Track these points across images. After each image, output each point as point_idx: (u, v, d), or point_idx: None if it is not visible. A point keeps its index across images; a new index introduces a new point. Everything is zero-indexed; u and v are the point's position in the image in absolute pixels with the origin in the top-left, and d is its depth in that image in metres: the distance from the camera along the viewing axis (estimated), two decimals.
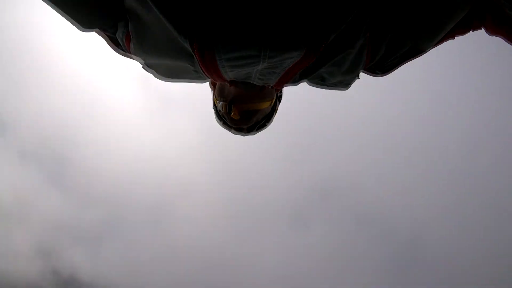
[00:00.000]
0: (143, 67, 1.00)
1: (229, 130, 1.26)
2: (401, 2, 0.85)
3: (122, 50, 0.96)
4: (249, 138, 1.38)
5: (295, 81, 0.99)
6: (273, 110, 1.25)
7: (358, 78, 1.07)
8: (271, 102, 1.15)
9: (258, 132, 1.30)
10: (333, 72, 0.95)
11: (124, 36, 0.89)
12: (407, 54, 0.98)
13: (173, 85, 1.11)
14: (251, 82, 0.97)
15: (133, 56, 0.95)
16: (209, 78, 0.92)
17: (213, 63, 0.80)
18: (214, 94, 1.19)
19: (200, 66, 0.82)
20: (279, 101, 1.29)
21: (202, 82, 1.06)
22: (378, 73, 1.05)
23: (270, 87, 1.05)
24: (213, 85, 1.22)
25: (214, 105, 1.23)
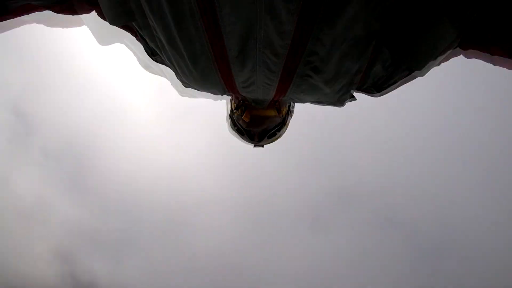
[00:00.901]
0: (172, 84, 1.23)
1: (242, 137, 1.42)
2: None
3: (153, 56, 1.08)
4: (267, 146, 1.52)
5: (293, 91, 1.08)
6: (284, 121, 1.39)
7: (355, 99, 1.14)
8: (277, 112, 1.30)
9: (269, 142, 1.44)
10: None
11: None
12: (403, 76, 0.99)
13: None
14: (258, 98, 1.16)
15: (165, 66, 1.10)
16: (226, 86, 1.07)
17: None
18: (231, 106, 1.38)
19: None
20: (291, 116, 1.43)
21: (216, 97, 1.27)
22: (375, 93, 1.07)
23: (273, 101, 1.19)
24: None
25: (231, 112, 1.40)
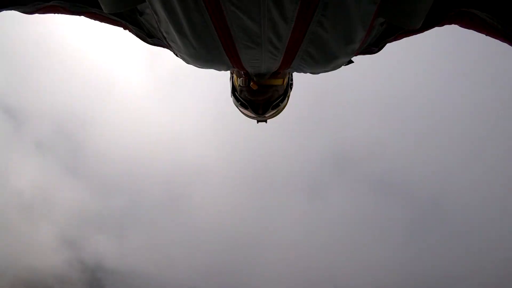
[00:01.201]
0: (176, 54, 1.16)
1: (246, 111, 1.42)
2: None
3: (149, 38, 1.16)
4: (269, 121, 1.55)
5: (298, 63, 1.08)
6: (286, 93, 1.40)
7: (352, 62, 1.21)
8: (283, 80, 1.32)
9: (272, 114, 1.46)
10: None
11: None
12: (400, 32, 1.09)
13: (182, 63, 1.21)
14: (262, 72, 1.18)
15: (168, 45, 1.09)
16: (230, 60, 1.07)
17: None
18: (233, 80, 1.41)
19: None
20: (291, 88, 1.45)
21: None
22: (374, 50, 1.15)
23: (277, 72, 1.20)
24: (232, 73, 1.44)
25: (233, 90, 1.42)
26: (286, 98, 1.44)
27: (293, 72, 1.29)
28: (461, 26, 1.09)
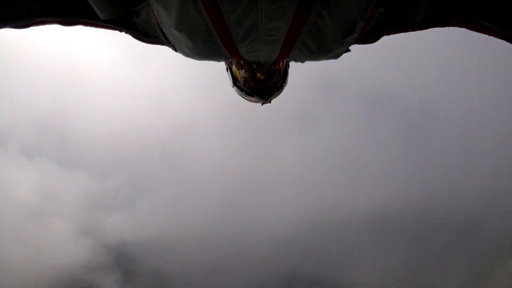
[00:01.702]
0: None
1: (251, 98, 1.47)
2: None
3: (146, 38, 1.19)
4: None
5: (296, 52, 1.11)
6: (286, 72, 1.46)
7: (349, 51, 1.23)
8: (283, 61, 1.35)
9: (276, 95, 1.48)
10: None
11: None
12: (402, 25, 1.13)
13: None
14: (260, 62, 1.19)
15: (166, 42, 1.13)
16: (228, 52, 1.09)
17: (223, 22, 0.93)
18: (233, 71, 1.43)
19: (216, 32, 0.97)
20: (288, 66, 1.47)
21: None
22: (371, 39, 1.18)
23: (276, 61, 1.23)
24: (229, 65, 1.45)
25: (235, 81, 1.45)
26: (287, 75, 1.48)
27: (291, 61, 1.31)
28: (466, 28, 1.14)
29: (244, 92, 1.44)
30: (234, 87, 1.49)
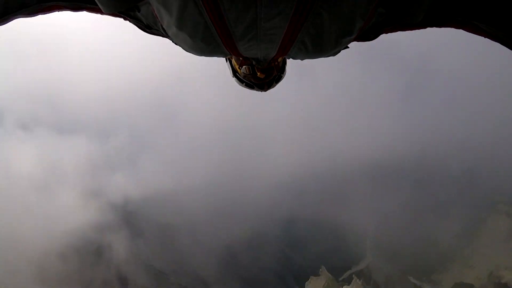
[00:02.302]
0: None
1: (252, 89, 1.52)
2: None
3: (150, 29, 1.23)
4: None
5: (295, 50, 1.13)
6: (284, 62, 1.48)
7: (347, 47, 1.22)
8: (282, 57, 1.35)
9: (276, 85, 1.53)
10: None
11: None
12: (401, 24, 1.14)
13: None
14: (259, 58, 1.21)
15: (167, 35, 1.16)
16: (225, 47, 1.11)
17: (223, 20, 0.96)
18: (232, 63, 1.45)
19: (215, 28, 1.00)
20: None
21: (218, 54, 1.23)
22: (370, 36, 1.21)
23: (273, 59, 1.25)
24: (229, 57, 1.47)
25: (235, 72, 1.48)
26: (286, 64, 1.50)
27: (290, 58, 1.28)
28: (463, 30, 1.16)
29: (244, 84, 1.47)
30: (234, 78, 1.50)
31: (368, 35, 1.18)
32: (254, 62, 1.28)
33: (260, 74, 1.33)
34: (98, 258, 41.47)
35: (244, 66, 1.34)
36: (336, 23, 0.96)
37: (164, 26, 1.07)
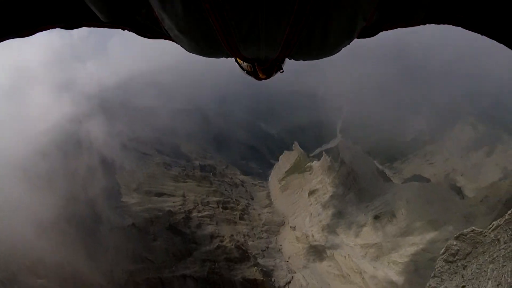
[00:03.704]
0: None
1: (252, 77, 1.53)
2: None
3: (150, 34, 1.23)
4: None
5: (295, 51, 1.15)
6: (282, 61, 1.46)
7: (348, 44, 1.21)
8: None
9: (275, 74, 1.52)
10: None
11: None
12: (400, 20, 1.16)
13: None
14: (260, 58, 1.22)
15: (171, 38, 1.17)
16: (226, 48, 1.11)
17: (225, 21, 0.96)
18: (238, 62, 1.44)
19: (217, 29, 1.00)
20: None
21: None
22: (370, 33, 1.22)
23: (274, 60, 1.26)
24: None
25: (238, 63, 1.47)
26: (282, 65, 1.48)
27: (291, 59, 1.29)
28: (461, 27, 1.17)
29: (245, 72, 1.47)
30: (239, 68, 1.50)
31: (368, 32, 1.20)
32: (256, 63, 1.29)
33: (261, 75, 1.37)
34: (79, 148, 42.40)
35: (245, 63, 1.34)
36: (337, 24, 0.97)
37: (165, 28, 1.07)
